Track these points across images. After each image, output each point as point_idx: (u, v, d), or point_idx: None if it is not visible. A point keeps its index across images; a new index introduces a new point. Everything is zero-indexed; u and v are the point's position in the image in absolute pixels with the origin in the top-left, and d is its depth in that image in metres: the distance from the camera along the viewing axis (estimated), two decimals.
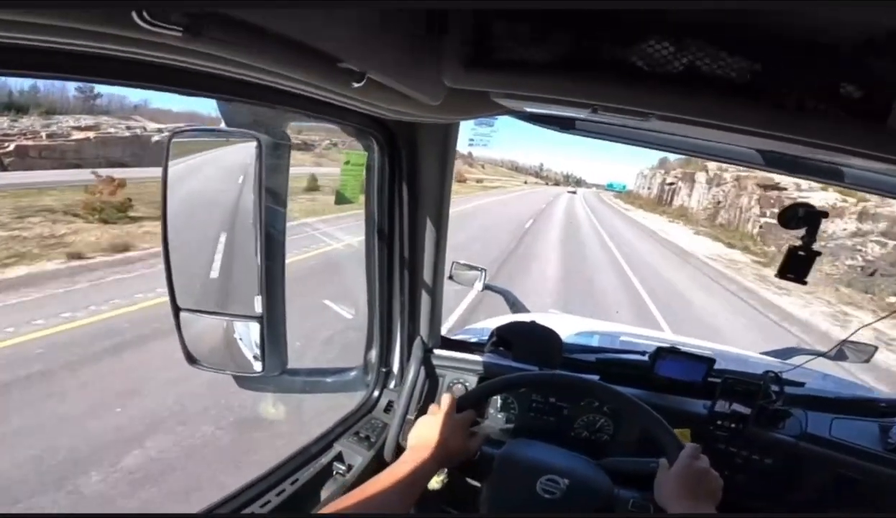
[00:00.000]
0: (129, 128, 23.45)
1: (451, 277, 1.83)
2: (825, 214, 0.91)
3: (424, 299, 1.26)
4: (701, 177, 35.72)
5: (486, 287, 1.83)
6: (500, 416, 1.34)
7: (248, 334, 1.08)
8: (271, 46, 0.44)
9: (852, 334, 1.41)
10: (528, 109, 0.86)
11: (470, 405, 1.11)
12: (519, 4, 0.62)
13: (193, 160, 0.95)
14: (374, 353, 1.35)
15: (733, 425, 1.21)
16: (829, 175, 0.94)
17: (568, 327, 1.86)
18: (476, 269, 1.78)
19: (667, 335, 2.76)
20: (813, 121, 0.58)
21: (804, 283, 0.92)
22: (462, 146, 1.10)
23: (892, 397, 1.42)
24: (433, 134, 1.00)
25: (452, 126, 1.00)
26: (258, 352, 1.04)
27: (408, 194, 1.08)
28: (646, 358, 1.32)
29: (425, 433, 0.97)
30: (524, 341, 1.32)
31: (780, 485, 1.21)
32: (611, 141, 1.08)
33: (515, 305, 2.05)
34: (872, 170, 0.87)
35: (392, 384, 1.39)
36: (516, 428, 1.31)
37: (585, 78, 0.62)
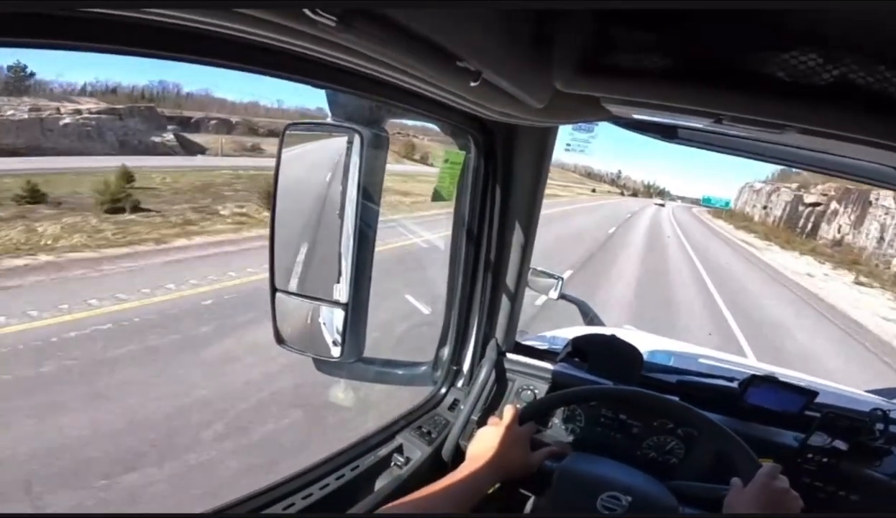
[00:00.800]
0: (33, 109, 20.80)
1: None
2: None
3: (504, 302, 1.25)
4: (888, 199, 21.58)
5: (562, 296, 1.79)
6: (563, 427, 1.30)
7: (332, 320, 1.13)
8: (404, 41, 0.46)
9: None
10: (637, 116, 0.83)
11: (533, 417, 1.07)
12: (641, 4, 0.59)
13: (301, 150, 1.00)
14: (446, 350, 1.36)
15: (825, 460, 1.12)
16: None
17: (647, 345, 1.77)
18: (553, 276, 1.75)
19: (755, 363, 2.57)
20: None
21: None
22: (558, 151, 1.04)
23: None
24: (531, 137, 1.00)
25: (551, 130, 0.98)
26: (338, 338, 1.08)
27: (500, 196, 1.08)
28: (733, 384, 1.24)
29: (485, 444, 0.96)
30: (602, 354, 1.27)
31: None
32: (717, 152, 1.02)
33: (591, 318, 1.98)
34: None
35: (460, 383, 1.39)
36: (579, 441, 1.26)
37: (711, 86, 0.59)
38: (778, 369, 1.84)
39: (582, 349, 1.29)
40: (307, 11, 0.35)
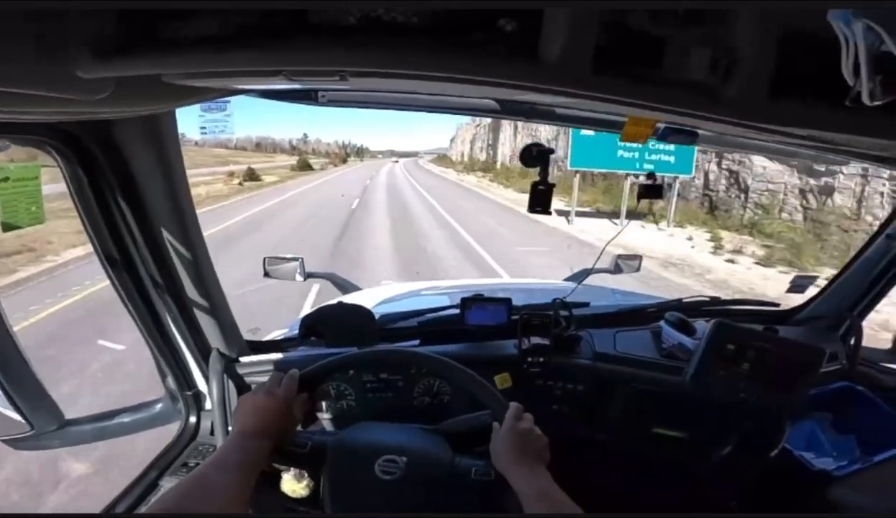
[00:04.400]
0: None
1: (267, 274, 1.72)
2: (552, 151, 0.98)
3: (203, 310, 1.13)
4: None
5: (309, 275, 1.74)
6: (337, 405, 1.29)
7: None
8: None
9: (605, 246, 1.51)
10: (236, 86, 0.77)
11: (311, 383, 0.94)
12: None
13: None
14: (170, 381, 1.22)
15: (541, 359, 1.25)
16: (553, 117, 0.98)
17: (388, 295, 1.85)
18: (291, 259, 1.68)
19: (474, 281, 2.84)
20: (478, 58, 0.55)
21: (549, 213, 0.99)
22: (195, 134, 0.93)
23: (653, 302, 1.59)
24: (138, 129, 0.85)
25: (162, 117, 0.85)
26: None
27: (129, 203, 0.92)
28: (458, 311, 1.34)
29: (254, 412, 0.84)
30: (334, 325, 1.26)
31: (597, 408, 1.27)
32: (361, 108, 1.03)
33: (343, 287, 1.98)
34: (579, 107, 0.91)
35: (207, 405, 1.27)
36: (357, 413, 1.28)
37: (267, 46, 0.54)
38: (484, 282, 2.07)
39: (314, 327, 1.26)
40: None
